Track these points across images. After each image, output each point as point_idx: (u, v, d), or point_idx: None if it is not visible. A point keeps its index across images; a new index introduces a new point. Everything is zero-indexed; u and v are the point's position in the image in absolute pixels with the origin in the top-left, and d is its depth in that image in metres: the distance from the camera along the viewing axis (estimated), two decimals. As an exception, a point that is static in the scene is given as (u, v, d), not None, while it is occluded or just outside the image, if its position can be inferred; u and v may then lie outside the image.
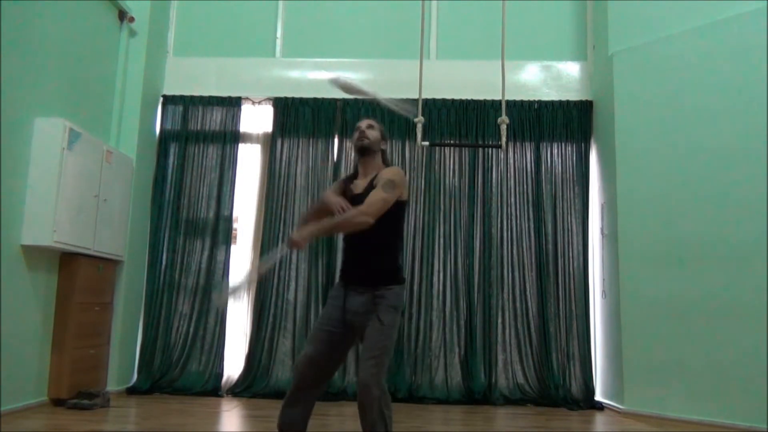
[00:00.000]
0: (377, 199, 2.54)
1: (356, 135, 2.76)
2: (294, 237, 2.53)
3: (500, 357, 5.28)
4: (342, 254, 2.77)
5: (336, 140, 5.70)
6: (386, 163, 2.81)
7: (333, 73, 5.82)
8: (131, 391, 5.14)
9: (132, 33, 5.48)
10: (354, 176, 2.83)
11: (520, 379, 5.24)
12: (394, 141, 5.64)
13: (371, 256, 2.63)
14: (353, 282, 2.64)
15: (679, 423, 4.39)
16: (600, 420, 4.64)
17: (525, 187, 5.54)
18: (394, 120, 5.65)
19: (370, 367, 2.49)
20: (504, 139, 4.27)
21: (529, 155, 5.60)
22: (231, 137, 5.74)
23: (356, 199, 2.63)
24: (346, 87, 3.00)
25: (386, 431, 2.49)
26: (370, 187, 2.64)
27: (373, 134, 2.74)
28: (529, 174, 5.56)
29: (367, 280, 2.61)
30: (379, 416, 2.47)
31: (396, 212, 2.65)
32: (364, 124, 2.79)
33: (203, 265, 5.50)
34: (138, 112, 5.43)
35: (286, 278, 5.45)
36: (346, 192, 2.75)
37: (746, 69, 4.48)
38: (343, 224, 2.59)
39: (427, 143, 4.69)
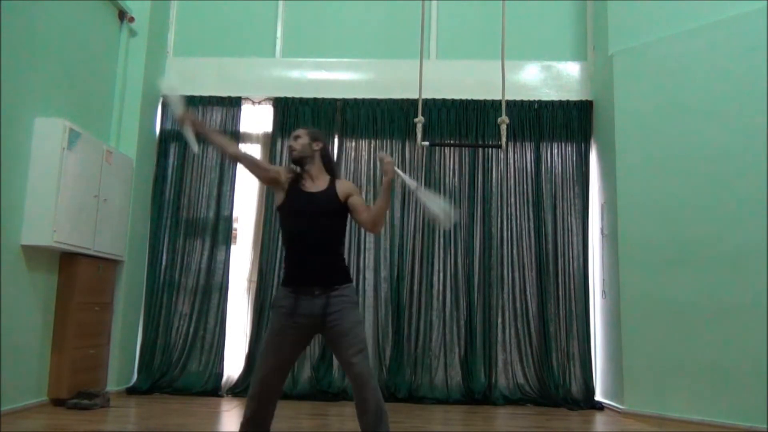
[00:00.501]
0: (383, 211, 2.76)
1: (288, 151, 2.85)
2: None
3: (500, 357, 5.28)
4: (287, 260, 2.72)
5: (336, 140, 5.70)
6: (328, 162, 2.84)
7: (334, 73, 5.84)
8: (131, 391, 5.14)
9: (132, 33, 5.48)
10: (297, 178, 2.81)
11: (520, 379, 5.24)
12: (394, 141, 5.65)
13: (326, 258, 2.65)
14: (306, 285, 2.61)
15: (679, 423, 4.39)
16: (600, 420, 4.64)
17: (525, 187, 5.54)
18: (394, 119, 5.66)
19: (363, 360, 2.54)
20: (504, 139, 4.28)
21: (529, 155, 5.60)
22: (231, 137, 5.74)
23: (313, 198, 2.69)
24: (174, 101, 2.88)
25: (386, 425, 2.51)
26: (333, 190, 2.74)
27: (300, 143, 2.77)
28: (529, 174, 5.56)
29: (322, 283, 2.61)
30: (378, 409, 2.49)
31: (346, 216, 2.77)
32: (292, 136, 2.84)
33: (203, 265, 5.50)
34: (138, 112, 5.43)
35: (286, 278, 5.43)
36: (296, 182, 2.75)
37: (746, 69, 4.48)
38: (384, 212, 2.76)
39: (427, 143, 4.69)
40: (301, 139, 2.77)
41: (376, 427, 2.49)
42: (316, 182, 2.75)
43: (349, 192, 2.76)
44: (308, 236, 2.64)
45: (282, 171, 2.80)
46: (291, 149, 2.78)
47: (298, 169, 2.80)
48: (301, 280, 2.63)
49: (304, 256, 2.64)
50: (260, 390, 2.62)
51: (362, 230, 5.48)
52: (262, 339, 5.31)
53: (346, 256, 5.41)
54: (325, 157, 2.83)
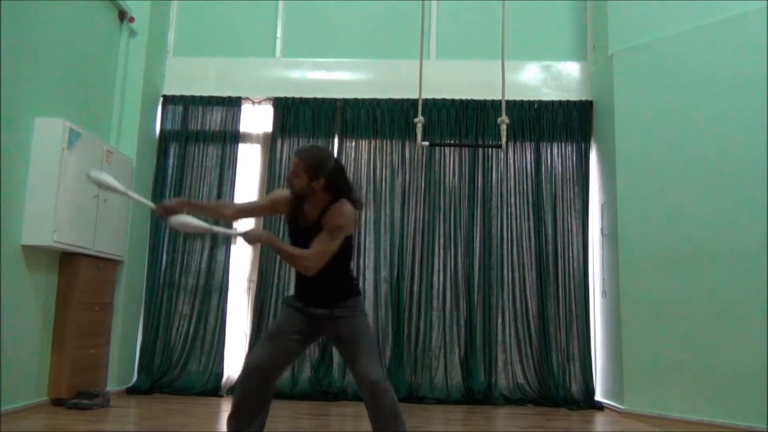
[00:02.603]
0: (322, 251, 2.48)
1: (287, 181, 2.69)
2: (251, 235, 2.50)
3: (500, 357, 5.28)
4: (295, 277, 2.71)
5: (336, 140, 5.70)
6: (332, 189, 2.58)
7: (334, 73, 5.84)
8: (131, 391, 5.14)
9: (132, 33, 5.48)
10: (295, 210, 2.69)
11: (520, 379, 5.24)
12: (394, 141, 5.65)
13: (326, 285, 2.61)
14: (312, 305, 2.63)
15: (679, 423, 4.39)
16: (600, 420, 4.64)
17: (525, 187, 5.54)
18: (394, 119, 5.66)
19: (375, 364, 2.52)
20: (504, 139, 4.28)
21: (529, 155, 5.60)
22: (231, 137, 5.74)
23: (306, 233, 2.55)
24: (100, 183, 2.76)
25: (403, 425, 2.53)
26: (319, 223, 2.56)
27: (297, 183, 2.54)
28: (529, 174, 5.56)
29: (326, 304, 2.62)
30: (393, 413, 2.50)
31: (344, 245, 2.59)
32: (290, 170, 2.58)
33: (203, 265, 5.50)
34: (138, 112, 5.43)
35: (286, 278, 5.44)
36: (296, 216, 2.64)
37: (746, 69, 4.47)
38: (289, 259, 2.54)
39: (427, 143, 4.70)
40: (298, 179, 2.53)
41: (392, 427, 2.51)
42: (311, 214, 2.61)
43: (327, 221, 2.54)
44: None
45: (281, 199, 2.68)
46: (289, 184, 2.58)
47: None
48: (307, 300, 2.64)
49: (302, 281, 2.65)
50: (249, 376, 2.56)
51: (362, 230, 5.49)
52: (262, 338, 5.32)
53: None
54: (330, 186, 2.56)
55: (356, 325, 2.60)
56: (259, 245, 2.66)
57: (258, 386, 2.57)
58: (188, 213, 2.63)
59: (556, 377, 5.17)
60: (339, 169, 2.59)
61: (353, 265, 5.42)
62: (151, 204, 2.72)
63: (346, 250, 2.64)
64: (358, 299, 2.70)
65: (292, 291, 5.36)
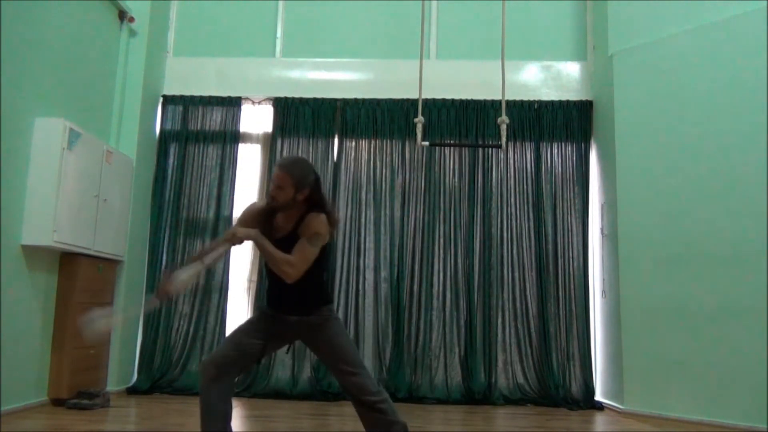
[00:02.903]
0: (304, 258, 2.48)
1: (267, 198, 2.62)
2: (238, 232, 2.49)
3: (500, 357, 5.28)
4: (267, 282, 2.71)
5: (336, 140, 5.70)
6: (312, 201, 2.60)
7: (334, 73, 5.84)
8: (131, 391, 5.14)
9: (132, 33, 5.48)
10: (269, 218, 2.67)
11: (520, 379, 5.24)
12: (394, 141, 5.65)
13: (299, 293, 2.60)
14: (282, 313, 2.63)
15: (679, 423, 4.39)
16: (600, 420, 4.64)
17: (525, 187, 5.54)
18: (394, 119, 5.66)
19: (365, 378, 2.59)
20: (504, 139, 4.28)
21: (529, 155, 5.60)
22: (231, 137, 5.74)
23: (281, 243, 2.51)
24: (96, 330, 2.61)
25: (400, 424, 2.57)
26: (295, 232, 2.55)
27: (283, 196, 2.52)
28: (529, 174, 5.56)
29: (297, 311, 2.62)
30: (391, 418, 2.56)
31: (320, 255, 2.59)
32: (273, 183, 2.54)
33: (203, 265, 5.49)
34: (138, 112, 5.43)
35: (286, 278, 5.43)
36: (267, 227, 2.61)
37: (746, 69, 4.47)
38: (273, 261, 2.50)
39: (427, 143, 4.69)
40: (284, 192, 2.51)
41: (384, 424, 2.56)
42: (285, 225, 2.61)
43: (303, 234, 2.53)
44: (277, 279, 2.56)
45: (250, 217, 2.66)
46: (272, 198, 2.55)
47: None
48: (277, 308, 2.65)
49: (274, 288, 2.65)
50: (202, 371, 2.55)
51: (362, 230, 5.49)
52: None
53: (345, 255, 5.45)
54: (309, 198, 2.58)
55: (331, 331, 2.62)
56: (250, 243, 2.61)
57: (210, 381, 2.53)
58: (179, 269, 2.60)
59: (556, 377, 5.17)
60: (317, 180, 2.61)
61: (355, 265, 5.44)
62: (149, 304, 2.75)
63: (321, 260, 2.64)
64: (331, 307, 2.70)
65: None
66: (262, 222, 2.63)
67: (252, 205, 2.76)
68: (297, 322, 2.62)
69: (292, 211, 2.59)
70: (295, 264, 2.46)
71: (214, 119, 5.78)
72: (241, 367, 2.69)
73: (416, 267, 5.43)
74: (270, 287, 2.69)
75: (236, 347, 2.60)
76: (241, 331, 2.67)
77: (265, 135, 5.81)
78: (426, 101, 5.29)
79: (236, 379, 2.73)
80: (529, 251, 5.44)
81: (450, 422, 4.43)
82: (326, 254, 2.75)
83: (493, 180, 5.56)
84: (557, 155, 5.58)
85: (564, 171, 5.55)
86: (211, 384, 2.53)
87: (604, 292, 5.25)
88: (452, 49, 5.88)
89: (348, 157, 5.67)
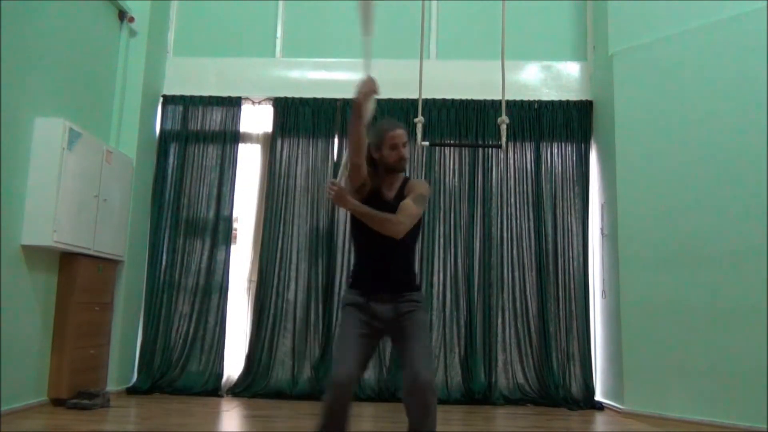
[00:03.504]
0: (412, 213, 2.45)
1: (393, 155, 2.58)
2: (341, 193, 2.40)
3: (500, 357, 5.28)
4: (358, 264, 2.63)
5: (336, 140, 5.70)
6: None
7: (334, 73, 5.84)
8: (131, 391, 5.14)
9: (132, 33, 5.48)
10: (377, 184, 2.64)
11: (520, 379, 5.24)
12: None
13: (400, 266, 2.56)
14: (377, 291, 2.53)
15: (679, 423, 4.39)
16: (600, 420, 4.64)
17: (525, 187, 5.54)
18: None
19: (429, 366, 2.51)
20: (504, 139, 4.28)
21: (529, 155, 5.60)
22: (231, 137, 5.74)
23: (388, 206, 2.50)
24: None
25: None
26: (401, 195, 2.55)
27: (407, 152, 2.60)
28: (529, 174, 5.56)
29: (393, 289, 2.53)
30: (435, 413, 2.51)
31: (419, 224, 2.59)
32: (401, 140, 2.58)
33: (203, 265, 5.50)
34: (138, 112, 5.43)
35: (286, 278, 5.45)
36: (372, 194, 2.58)
37: (746, 69, 4.47)
38: (378, 221, 2.44)
39: (427, 143, 4.69)
40: (407, 149, 2.56)
41: (434, 427, 2.51)
42: (392, 188, 2.60)
43: (409, 191, 2.54)
44: (380, 247, 2.50)
45: (366, 176, 2.59)
46: (401, 160, 2.55)
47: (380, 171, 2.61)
48: (369, 288, 2.54)
49: (371, 265, 2.56)
50: (336, 394, 2.44)
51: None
52: (261, 339, 5.32)
53: (346, 255, 5.45)
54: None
55: (419, 320, 2.54)
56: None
57: (346, 403, 2.48)
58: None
59: (556, 377, 5.17)
60: None
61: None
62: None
63: (419, 230, 2.64)
64: (421, 293, 2.64)
65: (292, 291, 5.44)
66: (374, 184, 2.59)
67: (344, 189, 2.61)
68: (387, 313, 2.51)
69: (395, 176, 2.59)
70: (402, 219, 2.42)
71: (214, 119, 5.78)
72: (362, 375, 2.62)
73: (416, 267, 5.42)
74: (362, 267, 2.59)
75: (355, 357, 2.47)
76: (348, 336, 2.52)
77: (265, 135, 5.81)
78: (426, 101, 5.29)
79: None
80: (529, 251, 5.44)
81: (450, 422, 4.43)
82: (420, 225, 2.71)
83: (493, 180, 5.56)
84: (557, 155, 5.58)
85: (564, 171, 5.55)
86: (345, 405, 2.45)
87: (604, 292, 5.25)
88: (452, 49, 5.88)
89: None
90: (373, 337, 2.56)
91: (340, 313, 2.96)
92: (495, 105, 5.41)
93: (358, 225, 2.57)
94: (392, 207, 2.49)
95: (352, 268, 2.70)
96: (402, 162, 2.58)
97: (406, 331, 2.51)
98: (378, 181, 2.61)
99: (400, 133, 2.59)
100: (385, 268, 2.54)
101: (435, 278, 5.43)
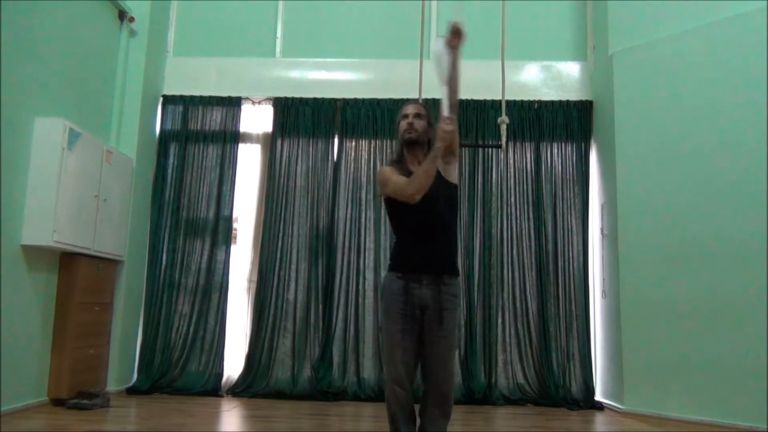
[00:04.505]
0: (411, 179, 2.48)
1: (404, 125, 2.60)
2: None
3: (500, 357, 5.28)
4: (398, 244, 2.56)
5: (336, 140, 5.70)
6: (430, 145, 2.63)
7: (334, 73, 5.84)
8: (131, 391, 5.14)
9: (132, 33, 5.48)
10: (399, 161, 2.63)
11: (520, 379, 5.24)
12: (394, 141, 5.64)
13: (442, 243, 2.52)
14: (421, 272, 2.46)
15: (679, 423, 4.39)
16: (600, 420, 4.64)
17: (525, 187, 5.54)
18: (394, 119, 5.60)
19: (453, 370, 2.54)
20: (504, 139, 4.28)
21: (529, 155, 5.60)
22: (231, 137, 5.74)
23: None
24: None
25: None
26: (439, 174, 2.56)
27: (421, 125, 2.58)
28: (529, 174, 5.56)
29: (435, 270, 2.48)
30: (450, 411, 2.54)
31: (455, 200, 2.61)
32: (411, 111, 2.59)
33: (203, 265, 5.50)
34: (138, 112, 5.43)
35: (286, 278, 5.45)
36: (404, 173, 2.57)
37: (746, 69, 4.47)
38: (430, 173, 2.46)
39: (427, 143, 4.68)
40: (421, 121, 2.57)
41: (445, 426, 2.52)
42: (417, 164, 2.58)
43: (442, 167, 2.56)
44: (433, 222, 2.47)
45: (392, 174, 2.57)
46: (410, 128, 2.57)
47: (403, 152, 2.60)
48: (416, 269, 2.48)
49: (422, 243, 2.49)
50: (394, 391, 2.47)
51: (362, 230, 5.49)
52: (261, 339, 5.32)
53: (346, 255, 5.45)
54: (429, 143, 2.61)
55: (455, 321, 2.52)
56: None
57: (404, 401, 2.52)
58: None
59: (556, 377, 5.17)
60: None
61: (355, 265, 5.43)
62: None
63: (455, 206, 2.65)
64: (459, 283, 2.59)
65: (292, 291, 5.44)
66: (397, 169, 2.58)
67: (384, 168, 2.66)
68: (428, 288, 2.45)
69: (420, 153, 2.58)
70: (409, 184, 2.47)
71: (214, 119, 5.78)
72: (416, 368, 2.60)
73: (416, 267, 5.42)
74: (417, 243, 2.52)
75: (406, 350, 2.48)
76: (395, 330, 2.49)
77: (265, 135, 5.81)
78: (426, 101, 5.28)
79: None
80: (529, 251, 5.44)
81: (450, 422, 4.42)
82: (457, 207, 2.69)
83: (493, 180, 5.56)
84: (557, 155, 5.58)
85: (564, 171, 5.55)
86: (406, 398, 2.50)
87: (604, 292, 5.25)
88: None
89: (348, 157, 5.67)
90: (413, 331, 2.50)
91: (380, 302, 2.91)
92: (495, 105, 5.41)
93: (396, 204, 2.53)
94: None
95: (391, 250, 2.66)
96: (411, 131, 2.58)
97: (444, 329, 2.46)
98: (406, 158, 2.60)
99: (410, 105, 2.62)
100: (427, 246, 2.48)
101: (435, 278, 5.42)
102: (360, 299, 5.39)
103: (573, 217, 5.46)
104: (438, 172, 2.53)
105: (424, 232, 2.49)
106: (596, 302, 5.38)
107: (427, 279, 2.47)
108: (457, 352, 5.27)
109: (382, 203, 2.66)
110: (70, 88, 4.71)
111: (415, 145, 2.61)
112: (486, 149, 5.59)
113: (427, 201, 2.47)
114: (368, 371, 5.26)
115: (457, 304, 2.57)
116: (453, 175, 2.61)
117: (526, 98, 5.65)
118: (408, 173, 2.55)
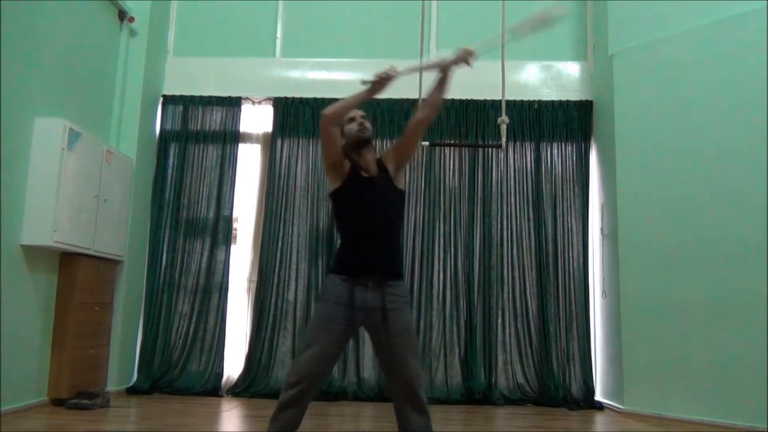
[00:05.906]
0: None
1: (355, 127, 2.66)
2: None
3: (500, 357, 5.28)
4: (343, 246, 2.56)
5: (336, 140, 5.69)
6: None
7: (334, 73, 5.84)
8: (131, 391, 5.14)
9: (132, 33, 5.48)
10: (354, 163, 2.63)
11: (520, 379, 5.24)
12: (394, 141, 5.63)
13: (391, 244, 2.51)
14: (366, 275, 2.44)
15: (679, 423, 4.39)
16: (600, 420, 4.64)
17: (525, 187, 5.54)
18: (394, 119, 5.65)
19: (418, 361, 2.47)
20: (504, 139, 4.28)
21: (529, 155, 5.60)
22: (231, 137, 5.74)
23: (369, 181, 2.52)
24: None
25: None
26: (385, 170, 2.58)
27: (370, 125, 2.70)
28: (529, 174, 5.56)
29: (383, 271, 2.46)
30: (427, 409, 2.46)
31: (402, 205, 2.66)
32: (357, 113, 2.72)
33: (203, 265, 5.50)
34: (138, 112, 5.44)
35: (286, 278, 5.45)
36: (353, 174, 2.57)
37: (746, 69, 4.47)
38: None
39: (427, 143, 4.70)
40: (369, 122, 2.69)
41: (428, 427, 2.45)
42: (371, 166, 2.59)
43: (389, 159, 2.63)
44: (375, 223, 2.47)
45: (340, 153, 2.60)
46: (363, 127, 2.64)
47: (352, 151, 2.62)
48: (358, 271, 2.45)
49: (363, 244, 2.48)
50: (299, 383, 2.46)
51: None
52: (261, 339, 5.32)
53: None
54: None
55: (406, 319, 2.49)
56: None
57: (305, 395, 2.53)
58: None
59: (556, 377, 5.17)
60: None
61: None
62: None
63: (402, 211, 2.70)
64: (405, 286, 2.61)
65: (292, 291, 5.44)
66: (348, 178, 2.60)
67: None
68: (371, 306, 2.42)
69: (369, 155, 2.63)
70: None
71: (214, 119, 5.78)
72: (330, 371, 2.60)
73: (416, 267, 5.42)
74: (348, 247, 2.52)
75: (322, 352, 2.43)
76: (326, 324, 2.44)
77: (265, 135, 5.81)
78: (426, 101, 5.28)
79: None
80: (529, 251, 5.44)
81: (450, 422, 4.43)
82: (404, 212, 2.75)
83: (493, 180, 5.56)
84: (557, 155, 5.58)
85: (564, 171, 5.55)
86: (303, 397, 2.52)
87: (604, 292, 5.25)
88: (452, 49, 5.85)
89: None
90: (348, 332, 2.49)
91: (316, 303, 2.90)
92: (495, 105, 5.40)
93: (342, 204, 2.55)
94: (377, 182, 2.53)
95: (335, 253, 2.66)
96: (364, 129, 2.64)
97: (392, 329, 2.42)
98: (356, 159, 2.61)
99: (360, 114, 2.73)
100: (373, 249, 2.47)
101: (435, 278, 5.43)
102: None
103: (573, 217, 5.46)
104: (388, 177, 2.58)
105: (371, 234, 2.49)
106: (596, 302, 5.38)
107: (372, 282, 2.45)
108: (457, 353, 5.29)
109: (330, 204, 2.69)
110: (70, 88, 4.71)
111: (368, 145, 2.65)
112: (486, 149, 5.59)
113: (375, 204, 2.50)
114: (368, 371, 5.26)
115: (405, 303, 2.54)
116: (401, 182, 2.66)
117: (526, 98, 5.65)
118: (363, 170, 2.58)
